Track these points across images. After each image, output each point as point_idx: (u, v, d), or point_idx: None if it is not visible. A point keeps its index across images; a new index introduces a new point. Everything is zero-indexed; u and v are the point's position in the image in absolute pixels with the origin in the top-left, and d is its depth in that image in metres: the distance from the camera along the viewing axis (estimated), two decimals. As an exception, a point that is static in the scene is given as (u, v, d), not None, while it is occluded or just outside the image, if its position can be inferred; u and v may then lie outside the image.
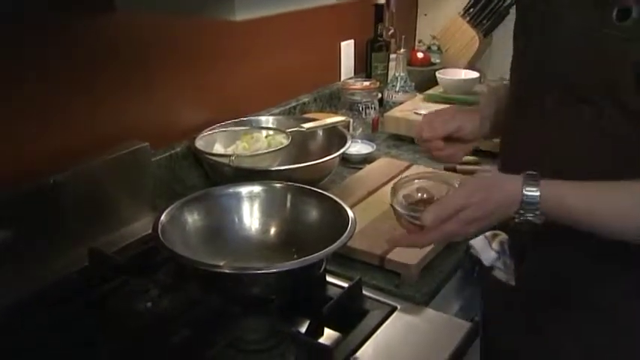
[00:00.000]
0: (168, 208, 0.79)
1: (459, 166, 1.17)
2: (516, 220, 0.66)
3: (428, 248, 0.84)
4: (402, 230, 0.72)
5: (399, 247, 0.72)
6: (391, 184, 1.08)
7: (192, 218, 0.82)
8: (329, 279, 0.81)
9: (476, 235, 0.81)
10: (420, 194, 0.74)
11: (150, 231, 0.76)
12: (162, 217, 0.77)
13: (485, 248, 0.81)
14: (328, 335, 0.72)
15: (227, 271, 0.70)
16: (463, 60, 1.60)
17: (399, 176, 0.75)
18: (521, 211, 0.64)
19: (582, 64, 0.65)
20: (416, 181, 0.76)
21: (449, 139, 0.82)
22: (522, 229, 0.66)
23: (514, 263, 0.78)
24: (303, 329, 0.71)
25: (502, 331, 0.82)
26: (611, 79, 0.63)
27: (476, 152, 1.21)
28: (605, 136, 0.65)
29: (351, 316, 0.74)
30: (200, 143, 1.07)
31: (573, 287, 0.73)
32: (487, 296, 0.87)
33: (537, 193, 0.64)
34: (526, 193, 0.64)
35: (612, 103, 0.63)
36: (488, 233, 0.82)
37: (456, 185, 0.71)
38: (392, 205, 0.73)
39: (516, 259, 0.79)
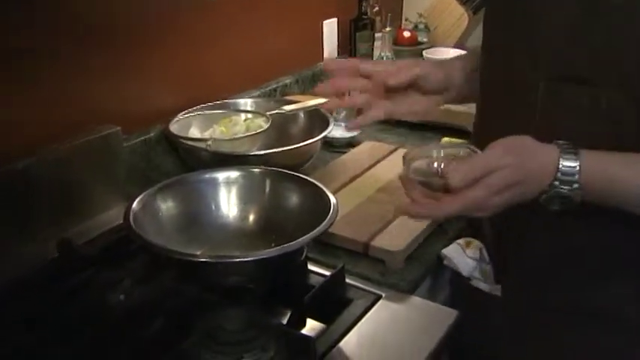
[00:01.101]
0: (141, 196, 0.78)
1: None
2: (545, 197, 0.60)
3: (414, 233, 0.84)
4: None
5: (411, 217, 0.63)
6: (377, 168, 1.12)
7: (167, 206, 0.81)
8: (311, 267, 0.82)
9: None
10: (433, 166, 0.65)
11: (121, 220, 0.75)
12: (135, 205, 0.77)
13: (461, 257, 0.79)
14: (311, 326, 0.72)
15: (203, 259, 0.70)
16: (452, 38, 1.60)
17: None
18: (556, 183, 0.59)
19: (578, 41, 0.62)
20: (433, 152, 0.66)
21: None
22: (554, 208, 0.60)
23: (494, 272, 0.77)
24: (284, 320, 0.71)
25: (481, 339, 0.81)
26: (612, 55, 0.60)
27: (462, 133, 1.23)
28: (605, 123, 0.62)
29: (334, 305, 0.74)
30: (175, 127, 1.06)
31: (563, 293, 0.71)
32: (461, 302, 0.84)
33: (577, 163, 0.59)
34: (563, 162, 0.59)
35: (613, 85, 0.60)
36: (460, 240, 0.80)
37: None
38: (401, 177, 0.64)
39: (497, 266, 0.77)
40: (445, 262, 0.80)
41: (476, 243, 0.79)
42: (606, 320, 0.69)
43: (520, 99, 0.68)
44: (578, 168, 0.59)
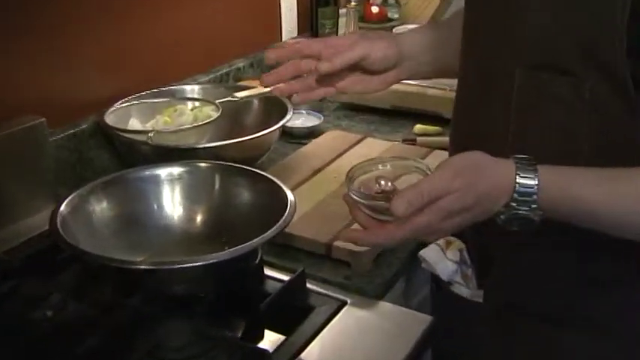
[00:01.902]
0: (70, 197, 0.78)
1: (419, 138, 1.20)
2: (502, 218, 0.61)
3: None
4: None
5: (359, 245, 0.65)
6: (341, 160, 1.13)
7: (101, 207, 0.81)
8: (267, 272, 0.82)
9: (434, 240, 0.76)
10: (380, 184, 0.67)
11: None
12: (63, 208, 0.76)
13: (440, 259, 0.79)
14: (268, 338, 0.72)
15: (144, 267, 0.70)
16: (425, 15, 1.63)
17: (354, 162, 0.70)
18: (513, 204, 0.60)
19: (558, 28, 0.62)
20: (378, 166, 0.69)
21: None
22: (509, 229, 0.61)
23: (476, 275, 0.78)
24: (238, 332, 0.71)
25: (463, 348, 0.82)
26: (593, 38, 0.60)
27: (437, 120, 1.25)
28: (589, 115, 0.62)
29: (294, 313, 0.75)
30: (111, 118, 1.05)
31: (551, 301, 0.72)
32: (441, 308, 0.85)
33: (535, 182, 0.59)
34: (520, 181, 0.59)
35: (595, 72, 0.61)
36: (440, 241, 0.80)
37: (429, 173, 0.64)
38: (345, 198, 0.66)
39: (479, 270, 0.78)
40: (423, 265, 0.81)
41: (457, 243, 0.80)
42: (594, 330, 0.71)
43: (496, 87, 0.69)
44: (536, 187, 0.59)
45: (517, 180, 0.60)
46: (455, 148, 0.79)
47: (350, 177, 0.67)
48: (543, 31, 0.64)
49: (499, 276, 0.76)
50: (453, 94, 1.16)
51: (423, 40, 0.82)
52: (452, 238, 0.81)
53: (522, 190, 0.60)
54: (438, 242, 0.81)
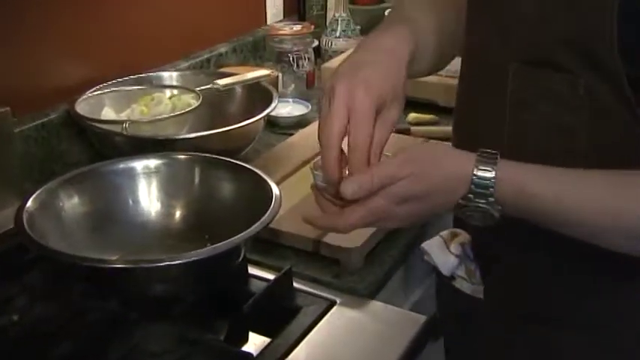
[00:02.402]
0: (38, 192, 0.78)
1: (413, 128, 1.20)
2: (463, 210, 0.63)
3: (373, 228, 0.86)
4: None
5: (317, 228, 0.69)
6: None
7: (71, 203, 0.80)
8: (251, 271, 0.82)
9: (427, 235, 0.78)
10: (345, 173, 0.67)
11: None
12: (30, 204, 0.75)
13: (442, 252, 0.80)
14: (253, 340, 0.72)
15: (118, 266, 0.70)
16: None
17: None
18: (470, 196, 0.62)
19: (550, 23, 0.64)
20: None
21: None
22: (475, 224, 0.64)
23: (479, 271, 0.78)
24: (221, 335, 0.71)
25: (462, 347, 0.83)
26: (583, 36, 0.61)
27: (432, 109, 1.25)
28: (585, 111, 0.64)
29: (280, 314, 0.75)
30: (83, 107, 1.04)
31: (551, 301, 0.73)
32: (444, 308, 0.86)
33: (492, 174, 0.61)
34: (478, 173, 0.62)
35: (590, 70, 0.62)
36: (444, 233, 0.82)
37: None
38: (311, 185, 0.69)
39: (482, 266, 0.78)
40: (425, 257, 0.82)
41: (461, 237, 0.80)
42: (595, 331, 0.72)
43: (493, 82, 0.70)
44: (492, 180, 0.61)
45: (474, 172, 0.62)
46: (457, 141, 0.80)
47: (314, 165, 0.69)
48: (533, 26, 0.66)
49: (500, 273, 0.77)
50: (448, 81, 1.18)
51: (428, 40, 0.76)
52: (458, 231, 0.81)
53: (479, 182, 0.62)
54: (442, 234, 0.82)
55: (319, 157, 0.68)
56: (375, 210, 0.63)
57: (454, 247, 0.80)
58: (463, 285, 0.80)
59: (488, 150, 0.63)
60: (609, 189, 0.63)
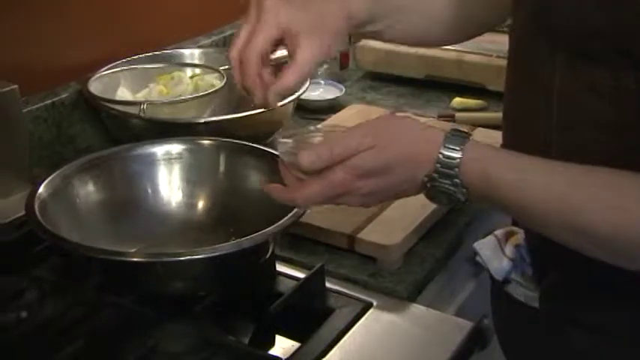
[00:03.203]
0: (50, 177, 0.79)
1: (458, 114, 1.19)
2: (429, 191, 0.65)
3: (416, 221, 0.86)
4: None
5: (276, 200, 0.70)
6: None
7: (86, 190, 0.81)
8: (280, 268, 0.83)
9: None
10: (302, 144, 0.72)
11: (24, 211, 0.75)
12: (42, 190, 0.77)
13: (496, 254, 0.80)
14: (280, 344, 0.73)
15: (135, 259, 0.71)
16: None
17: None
18: (435, 175, 0.64)
19: (600, 14, 0.63)
20: (310, 130, 0.73)
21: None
22: (442, 205, 0.66)
23: (536, 275, 0.78)
24: (246, 338, 0.72)
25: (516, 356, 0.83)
26: (630, 29, 0.61)
27: (480, 93, 1.24)
28: (635, 108, 0.63)
29: (311, 317, 0.75)
30: (96, 86, 1.05)
31: (611, 313, 0.72)
32: (501, 316, 0.86)
33: (459, 154, 0.63)
34: (444, 152, 0.63)
35: (633, 64, 0.62)
36: (499, 232, 0.82)
37: None
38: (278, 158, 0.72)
39: (539, 270, 0.78)
40: (477, 258, 0.82)
41: (518, 236, 0.80)
42: None
43: (539, 76, 0.71)
44: (458, 160, 0.63)
45: (440, 150, 0.64)
46: (505, 130, 0.79)
47: (280, 137, 0.72)
48: (584, 19, 0.65)
49: (558, 278, 0.76)
50: (499, 62, 1.17)
51: None
52: (514, 229, 0.81)
53: (444, 161, 0.64)
54: (496, 233, 0.82)
55: (289, 130, 0.73)
56: (335, 183, 0.65)
57: (509, 250, 0.80)
58: (517, 291, 0.79)
59: (461, 129, 0.65)
60: (575, 185, 0.63)
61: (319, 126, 0.78)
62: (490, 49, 1.22)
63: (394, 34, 0.80)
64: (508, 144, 0.80)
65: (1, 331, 0.72)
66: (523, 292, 0.79)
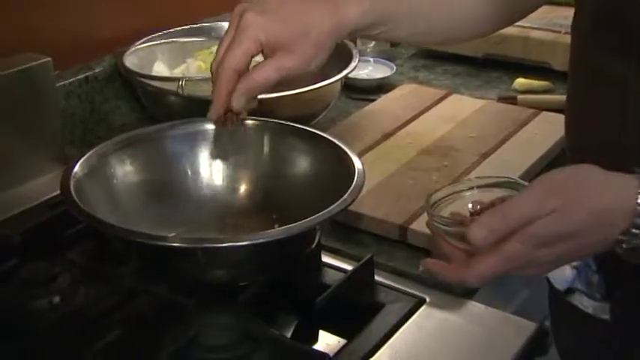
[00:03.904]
0: (86, 156, 0.80)
1: (520, 97, 1.18)
2: (624, 247, 0.61)
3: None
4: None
5: (440, 277, 0.67)
6: (418, 122, 1.13)
7: (124, 170, 0.82)
8: (326, 259, 0.83)
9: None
10: (475, 208, 0.67)
11: (57, 191, 0.77)
12: (77, 169, 0.78)
13: None
14: (325, 340, 0.74)
15: (174, 244, 0.71)
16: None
17: (443, 188, 0.69)
18: (634, 231, 0.59)
19: None
20: (470, 192, 0.69)
21: None
22: (636, 262, 0.61)
23: (605, 284, 0.77)
24: (288, 331, 0.73)
25: None
26: None
27: (546, 73, 1.23)
28: None
29: (358, 312, 0.76)
30: (132, 61, 1.07)
31: None
32: (562, 326, 0.86)
33: None
34: None
35: None
36: None
37: None
38: (427, 224, 0.68)
39: (609, 278, 0.77)
40: None
41: None
42: None
43: (610, 74, 0.70)
44: None
45: (638, 200, 0.59)
46: (570, 118, 0.78)
47: (430, 202, 0.68)
48: None
49: (632, 288, 0.75)
50: (567, 39, 1.16)
51: None
52: None
53: None
54: None
55: (438, 192, 0.68)
56: (511, 256, 0.60)
57: None
58: (583, 301, 0.79)
59: None
60: None
61: (470, 178, 0.74)
62: (557, 23, 1.20)
63: (407, 36, 0.82)
64: (574, 145, 0.79)
65: (33, 318, 0.74)
66: (590, 304, 0.78)
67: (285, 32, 0.72)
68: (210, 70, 0.76)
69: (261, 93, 0.76)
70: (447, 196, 0.68)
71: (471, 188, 0.68)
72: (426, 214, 0.85)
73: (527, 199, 0.61)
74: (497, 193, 0.67)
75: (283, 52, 0.73)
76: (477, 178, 0.77)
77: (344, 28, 0.75)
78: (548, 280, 0.81)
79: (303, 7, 0.75)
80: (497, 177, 0.69)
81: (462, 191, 0.69)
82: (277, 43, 0.72)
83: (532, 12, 0.86)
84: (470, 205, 0.67)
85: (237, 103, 0.74)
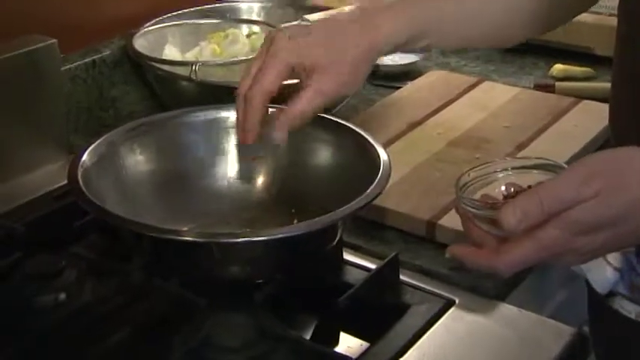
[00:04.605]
0: (95, 144, 0.80)
1: (558, 84, 1.18)
2: None
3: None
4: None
5: (468, 264, 0.66)
6: (447, 111, 1.13)
7: (134, 160, 0.83)
8: (347, 256, 0.84)
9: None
10: (508, 189, 0.67)
11: (63, 181, 0.78)
12: (85, 158, 0.78)
13: (598, 262, 0.76)
14: (346, 343, 0.74)
15: (187, 238, 0.71)
16: None
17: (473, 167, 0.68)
18: None
19: None
20: (504, 174, 0.68)
21: None
22: None
23: None
24: (307, 333, 0.74)
25: None
26: None
27: (588, 59, 1.22)
28: None
29: (382, 313, 0.76)
30: (142, 44, 1.08)
31: None
32: (602, 332, 0.85)
33: None
34: None
35: None
36: None
37: None
38: (456, 208, 0.68)
39: None
40: (574, 268, 0.78)
41: None
42: None
43: None
44: None
45: None
46: (615, 107, 0.78)
47: (460, 184, 0.67)
48: None
49: None
50: (611, 22, 1.15)
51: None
52: None
53: None
54: None
55: (469, 172, 0.68)
56: (547, 244, 0.60)
57: (613, 257, 0.77)
58: (625, 306, 0.78)
59: None
60: None
61: (506, 159, 0.74)
62: (601, 5, 1.19)
63: (458, 41, 0.84)
64: (619, 136, 0.79)
65: (37, 315, 0.74)
66: (633, 308, 0.78)
67: (319, 55, 0.75)
68: (235, 94, 0.78)
69: (303, 123, 0.78)
70: (478, 178, 0.68)
71: (505, 170, 0.68)
72: (454, 210, 0.86)
73: (566, 182, 0.60)
74: (534, 176, 0.66)
75: (318, 76, 0.75)
76: (512, 159, 0.77)
77: (380, 47, 0.78)
78: (587, 282, 0.81)
79: (336, 29, 0.78)
80: (535, 158, 0.68)
81: (495, 172, 0.68)
82: (312, 66, 0.75)
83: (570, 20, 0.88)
84: (503, 188, 0.66)
85: (281, 137, 0.77)
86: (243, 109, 0.77)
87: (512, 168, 0.68)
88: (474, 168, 0.69)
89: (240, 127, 0.78)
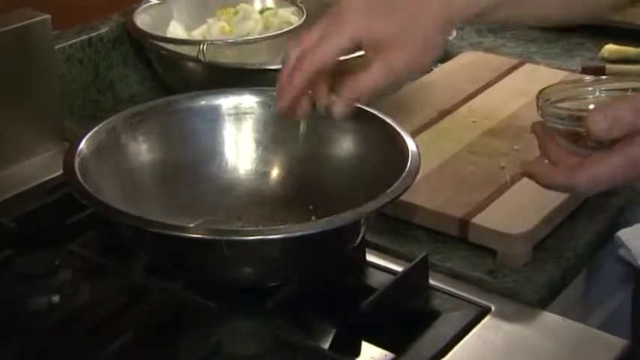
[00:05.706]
0: (93, 131, 0.81)
1: (609, 66, 1.18)
2: None
3: (550, 205, 0.86)
4: None
5: (542, 182, 0.65)
6: (483, 97, 1.10)
7: (137, 148, 0.84)
8: (371, 258, 0.84)
9: None
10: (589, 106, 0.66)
11: (58, 172, 0.80)
12: (83, 145, 0.79)
13: None
14: (369, 353, 0.74)
15: (194, 235, 0.72)
16: None
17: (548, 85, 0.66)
18: None
19: None
20: (594, 95, 0.67)
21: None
22: None
23: None
24: (325, 342, 0.75)
25: None
26: None
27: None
28: None
29: (409, 321, 0.77)
30: (144, 20, 1.09)
31: None
32: None
33: None
34: None
35: None
36: None
37: None
38: (534, 127, 0.67)
39: None
40: (620, 251, 0.81)
41: None
42: None
43: None
44: None
45: None
46: None
47: (544, 98, 0.66)
48: None
49: None
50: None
51: None
52: None
53: None
54: None
55: (552, 87, 0.67)
56: (634, 160, 0.59)
57: None
58: None
59: None
60: None
61: (599, 78, 0.72)
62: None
63: (530, 16, 0.83)
64: None
65: (28, 318, 0.75)
66: None
67: (389, 28, 0.75)
68: (282, 60, 0.78)
69: (367, 100, 0.79)
70: (563, 93, 0.67)
71: (596, 90, 0.67)
72: (492, 202, 0.86)
73: None
74: (617, 86, 0.66)
75: (388, 51, 0.75)
76: (602, 78, 0.76)
77: (453, 20, 0.77)
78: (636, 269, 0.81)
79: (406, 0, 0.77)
80: (631, 80, 0.68)
81: (583, 88, 0.67)
82: (380, 40, 0.75)
83: None
84: (591, 107, 0.65)
85: (341, 111, 0.77)
86: (288, 75, 0.76)
87: (605, 90, 0.67)
88: (560, 82, 0.68)
89: (279, 91, 0.78)
